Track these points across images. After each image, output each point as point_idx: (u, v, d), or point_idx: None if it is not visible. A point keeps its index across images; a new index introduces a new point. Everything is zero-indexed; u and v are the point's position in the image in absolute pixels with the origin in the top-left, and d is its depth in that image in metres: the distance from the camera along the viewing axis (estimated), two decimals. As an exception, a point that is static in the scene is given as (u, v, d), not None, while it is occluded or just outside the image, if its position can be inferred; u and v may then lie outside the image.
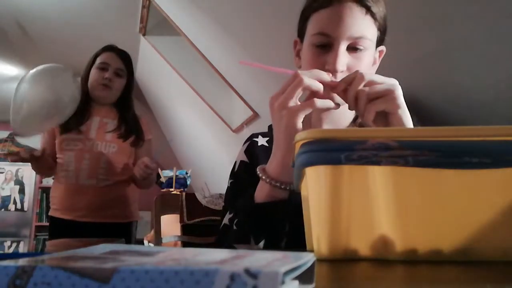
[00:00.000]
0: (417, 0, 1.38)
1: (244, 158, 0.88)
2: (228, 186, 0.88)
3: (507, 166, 0.40)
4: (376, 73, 0.82)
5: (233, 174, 0.88)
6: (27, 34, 3.53)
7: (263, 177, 0.68)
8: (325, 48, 0.75)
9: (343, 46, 0.73)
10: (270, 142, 0.87)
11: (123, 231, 1.79)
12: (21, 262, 0.24)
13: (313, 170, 0.44)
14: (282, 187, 0.66)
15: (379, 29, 0.77)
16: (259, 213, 0.69)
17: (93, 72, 1.81)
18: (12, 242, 1.47)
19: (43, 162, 1.72)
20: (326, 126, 0.82)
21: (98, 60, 1.82)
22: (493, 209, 0.42)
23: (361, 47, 0.74)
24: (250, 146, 0.89)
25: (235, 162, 0.90)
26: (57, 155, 1.78)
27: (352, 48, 0.74)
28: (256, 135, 0.92)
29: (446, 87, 1.57)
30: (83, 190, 1.72)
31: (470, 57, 1.42)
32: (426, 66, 1.57)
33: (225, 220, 0.82)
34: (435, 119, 1.60)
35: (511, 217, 0.41)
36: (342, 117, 0.83)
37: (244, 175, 0.85)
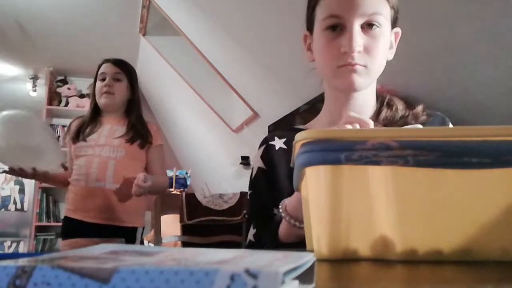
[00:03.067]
0: (417, 0, 1.38)
1: (261, 165, 0.84)
2: (248, 197, 0.87)
3: (507, 166, 0.40)
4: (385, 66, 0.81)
5: (252, 183, 0.85)
6: (27, 34, 3.53)
7: (285, 217, 0.68)
8: (338, 31, 0.72)
9: (357, 25, 0.71)
10: (287, 143, 0.84)
11: (128, 235, 1.81)
12: (21, 262, 0.24)
13: (313, 170, 0.44)
14: (301, 226, 0.65)
15: (392, 7, 0.75)
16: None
17: (97, 85, 1.92)
18: (12, 242, 1.47)
19: (50, 179, 1.90)
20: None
21: (98, 73, 1.93)
22: (493, 209, 0.42)
23: (376, 23, 0.71)
24: (267, 151, 0.85)
25: (252, 168, 0.87)
26: (73, 162, 1.89)
27: (367, 25, 0.71)
28: (271, 137, 0.87)
29: (446, 87, 1.57)
30: (92, 193, 1.80)
31: (470, 57, 1.42)
32: (426, 66, 1.57)
33: (250, 236, 0.81)
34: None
35: (511, 217, 0.41)
36: (365, 111, 0.81)
37: (262, 183, 0.83)
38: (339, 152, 0.42)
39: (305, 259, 0.26)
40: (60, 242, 1.75)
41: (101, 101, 1.88)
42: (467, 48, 1.40)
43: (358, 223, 0.43)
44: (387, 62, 0.81)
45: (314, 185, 0.45)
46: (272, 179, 0.81)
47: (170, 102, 4.21)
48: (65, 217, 1.87)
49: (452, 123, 0.86)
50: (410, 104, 0.85)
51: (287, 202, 0.69)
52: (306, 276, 0.27)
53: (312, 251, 0.46)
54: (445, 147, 0.41)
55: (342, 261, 0.43)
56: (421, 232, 0.43)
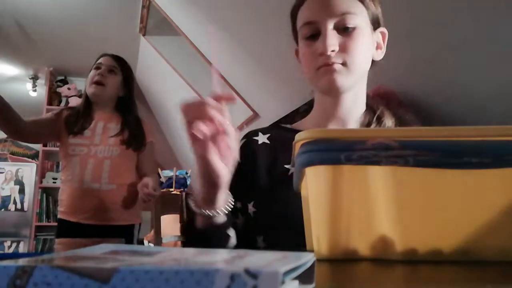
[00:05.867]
0: (417, 1, 1.38)
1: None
2: None
3: (507, 166, 0.40)
4: (377, 73, 0.81)
5: None
6: (27, 34, 3.53)
7: (191, 204, 0.65)
8: (315, 37, 0.74)
9: (329, 26, 0.72)
10: (271, 139, 0.83)
11: (126, 234, 1.80)
12: (21, 262, 0.24)
13: (313, 170, 0.44)
14: (207, 214, 0.63)
15: (367, 7, 0.75)
16: (198, 238, 0.67)
17: (90, 73, 1.86)
18: (12, 242, 1.46)
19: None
20: (331, 124, 0.80)
21: (94, 64, 1.89)
22: (493, 209, 0.42)
23: (350, 25, 0.72)
24: (247, 144, 0.82)
25: None
26: (63, 159, 1.84)
27: (343, 29, 0.73)
28: (255, 133, 0.85)
29: (446, 87, 1.57)
30: (87, 194, 1.76)
31: (470, 57, 1.42)
32: (426, 66, 1.57)
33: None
34: (435, 119, 1.60)
35: (511, 217, 0.41)
36: (353, 116, 0.81)
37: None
38: (339, 152, 0.42)
39: (305, 259, 0.26)
40: (56, 241, 1.72)
41: (90, 90, 1.81)
42: (467, 49, 1.40)
43: (358, 223, 0.43)
44: (386, 63, 0.81)
45: (314, 185, 0.45)
46: (249, 174, 0.79)
47: (170, 102, 4.21)
48: (60, 219, 1.81)
49: (452, 123, 0.86)
50: (401, 119, 0.84)
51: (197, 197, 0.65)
52: (306, 276, 0.27)
53: (312, 251, 0.46)
54: (445, 147, 0.41)
55: (342, 261, 0.43)
56: (421, 232, 0.43)
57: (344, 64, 0.73)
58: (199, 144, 0.56)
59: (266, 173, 0.78)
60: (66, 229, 1.78)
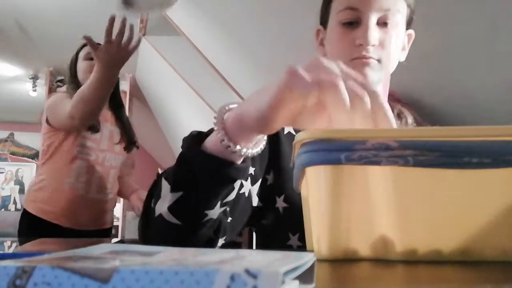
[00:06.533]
0: (417, 1, 1.38)
1: None
2: None
3: (507, 166, 0.40)
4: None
5: None
6: (27, 34, 3.53)
7: (216, 125, 0.51)
8: (354, 25, 0.72)
9: (373, 19, 0.70)
10: (297, 130, 0.75)
11: (105, 235, 1.80)
12: (21, 262, 0.24)
13: (313, 170, 0.44)
14: (230, 147, 0.50)
15: (408, 6, 0.74)
16: (203, 162, 0.52)
17: (83, 64, 1.75)
18: (12, 242, 1.46)
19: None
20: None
21: (82, 54, 1.79)
22: (493, 209, 0.42)
23: (391, 22, 0.71)
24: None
25: None
26: (65, 157, 1.68)
27: (383, 23, 0.71)
28: None
29: (446, 87, 1.57)
30: (91, 203, 1.70)
31: (471, 57, 1.42)
32: (426, 66, 1.57)
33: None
34: (435, 119, 1.60)
35: (511, 217, 0.41)
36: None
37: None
38: (339, 152, 0.42)
39: (305, 259, 0.26)
40: (31, 243, 1.60)
41: None
42: (467, 49, 1.40)
43: (358, 223, 0.43)
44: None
45: (314, 185, 0.45)
46: (274, 161, 0.71)
47: (170, 102, 4.21)
48: (43, 220, 1.66)
49: (452, 123, 0.86)
50: (417, 118, 0.84)
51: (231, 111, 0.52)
52: (306, 276, 0.27)
53: (312, 251, 0.46)
54: (445, 147, 0.41)
55: (342, 261, 0.43)
56: (421, 232, 0.43)
57: (379, 60, 0.71)
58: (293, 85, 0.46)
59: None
60: (46, 230, 1.64)
